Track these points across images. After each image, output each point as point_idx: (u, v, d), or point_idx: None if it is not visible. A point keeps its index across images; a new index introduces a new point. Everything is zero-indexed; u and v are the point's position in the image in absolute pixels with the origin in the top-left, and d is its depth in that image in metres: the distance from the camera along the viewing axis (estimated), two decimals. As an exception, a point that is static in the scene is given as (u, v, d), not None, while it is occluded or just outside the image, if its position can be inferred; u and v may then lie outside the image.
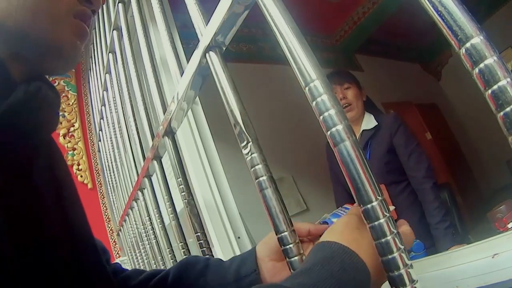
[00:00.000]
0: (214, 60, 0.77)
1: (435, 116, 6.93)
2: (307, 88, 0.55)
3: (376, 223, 0.51)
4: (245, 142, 0.67)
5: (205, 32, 0.80)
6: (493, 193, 5.83)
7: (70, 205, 0.74)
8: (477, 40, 0.41)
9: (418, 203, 2.20)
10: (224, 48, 0.80)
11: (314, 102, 0.54)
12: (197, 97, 1.67)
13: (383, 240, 0.51)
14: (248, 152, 0.66)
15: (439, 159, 5.97)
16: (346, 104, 2.32)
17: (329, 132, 0.53)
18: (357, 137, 2.27)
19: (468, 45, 0.41)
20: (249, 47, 5.08)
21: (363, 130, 2.35)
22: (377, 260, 0.52)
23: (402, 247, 0.51)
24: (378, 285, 0.57)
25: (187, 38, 1.59)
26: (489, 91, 0.40)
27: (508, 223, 1.73)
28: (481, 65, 0.41)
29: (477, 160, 6.89)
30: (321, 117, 0.54)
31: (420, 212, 2.17)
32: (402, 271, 0.50)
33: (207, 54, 0.79)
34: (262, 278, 0.84)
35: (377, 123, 2.32)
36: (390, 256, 0.50)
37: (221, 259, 0.96)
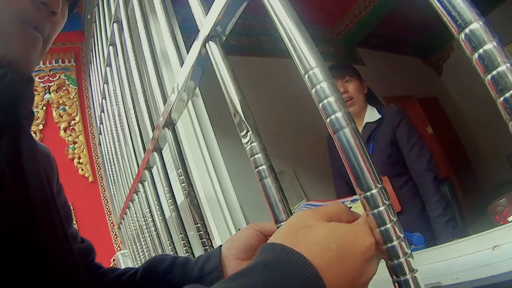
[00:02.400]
0: (214, 49, 0.77)
1: (436, 110, 6.90)
2: (306, 76, 0.55)
3: (375, 210, 0.51)
4: (244, 131, 0.67)
5: (205, 22, 0.80)
6: (493, 188, 5.79)
7: (34, 194, 0.73)
8: (476, 25, 0.41)
9: (419, 196, 2.19)
10: (224, 38, 0.80)
11: (313, 90, 0.54)
12: (198, 89, 1.68)
13: (382, 228, 0.51)
14: (248, 141, 0.66)
15: (440, 153, 5.95)
16: (348, 98, 2.31)
17: (328, 120, 0.53)
18: (360, 130, 2.28)
19: (467, 30, 0.41)
20: (250, 40, 5.07)
21: (366, 123, 2.34)
22: (331, 256, 0.48)
23: (401, 235, 0.51)
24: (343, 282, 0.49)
25: (188, 32, 1.59)
26: (489, 76, 0.40)
27: (509, 216, 1.73)
28: (480, 51, 0.40)
29: (477, 155, 6.87)
30: (321, 104, 0.53)
31: (421, 205, 2.17)
32: (402, 259, 0.50)
33: (207, 44, 0.79)
34: (226, 275, 0.83)
35: (380, 116, 2.32)
36: (389, 245, 0.50)
37: (188, 258, 0.96)
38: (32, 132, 2.95)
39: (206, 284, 0.82)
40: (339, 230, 0.51)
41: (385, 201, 0.51)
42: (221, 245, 0.89)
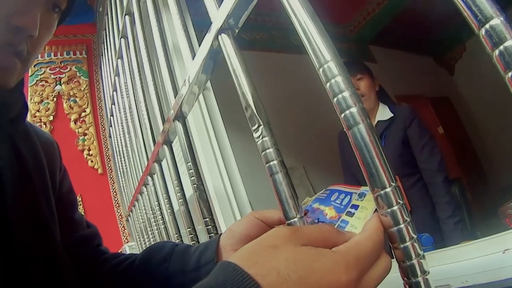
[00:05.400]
0: (226, 42, 0.76)
1: (447, 110, 6.86)
2: (321, 70, 0.54)
3: (389, 210, 0.49)
4: (256, 125, 0.65)
5: (218, 14, 0.79)
6: (503, 190, 5.75)
7: (10, 183, 0.73)
8: (497, 21, 0.39)
9: (429, 197, 2.19)
10: (236, 31, 0.79)
11: (328, 84, 0.53)
12: (209, 83, 1.67)
13: (395, 228, 0.49)
14: (259, 136, 0.65)
15: (451, 154, 5.91)
16: (359, 96, 2.29)
17: (342, 115, 0.52)
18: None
19: (487, 26, 0.40)
20: (262, 35, 5.06)
21: (378, 121, 2.32)
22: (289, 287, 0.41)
23: (415, 236, 0.49)
24: None
25: (201, 26, 1.58)
26: (509, 74, 0.39)
27: (520, 219, 1.71)
28: (501, 47, 0.39)
29: (488, 156, 6.81)
30: (335, 99, 0.52)
31: (431, 206, 2.16)
32: (414, 261, 0.49)
33: (219, 37, 0.78)
34: None
35: (392, 115, 2.30)
36: (402, 246, 0.49)
37: (188, 246, 0.94)
38: (42, 124, 2.97)
39: (202, 275, 0.80)
40: (308, 257, 0.44)
41: (399, 201, 0.49)
42: (220, 234, 0.86)
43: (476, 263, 0.82)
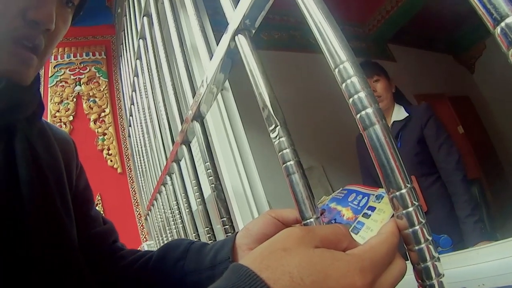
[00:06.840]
0: (243, 43, 0.76)
1: (467, 110, 6.77)
2: (336, 70, 0.53)
3: (404, 211, 0.48)
4: (273, 126, 0.65)
5: (234, 15, 0.80)
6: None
7: (26, 184, 0.72)
8: (513, 19, 0.38)
9: (448, 196, 2.16)
10: (253, 32, 0.79)
11: (343, 84, 0.52)
12: (228, 83, 1.68)
13: (410, 230, 0.48)
14: (276, 136, 0.64)
15: (471, 154, 5.84)
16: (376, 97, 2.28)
17: (358, 116, 0.51)
18: (388, 129, 2.28)
19: (503, 24, 0.38)
20: (280, 35, 5.06)
21: (394, 121, 2.31)
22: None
23: (430, 238, 0.48)
24: None
25: (219, 25, 1.59)
26: (526, 74, 0.38)
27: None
28: (517, 46, 0.38)
29: (508, 157, 6.70)
30: (351, 99, 0.52)
31: (450, 205, 2.14)
32: (429, 263, 0.48)
33: (236, 37, 0.79)
34: None
35: (408, 114, 2.29)
36: (417, 248, 0.48)
37: (205, 243, 0.93)
38: (62, 124, 3.01)
39: (217, 274, 0.79)
40: (322, 261, 0.43)
41: (414, 202, 0.48)
42: (236, 233, 0.85)
43: (493, 266, 0.81)
